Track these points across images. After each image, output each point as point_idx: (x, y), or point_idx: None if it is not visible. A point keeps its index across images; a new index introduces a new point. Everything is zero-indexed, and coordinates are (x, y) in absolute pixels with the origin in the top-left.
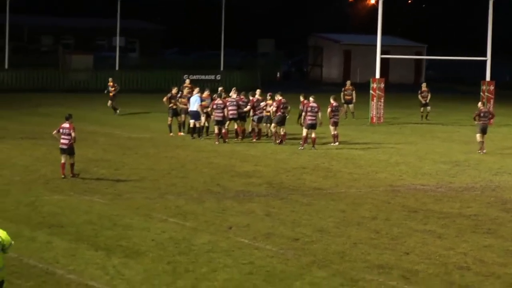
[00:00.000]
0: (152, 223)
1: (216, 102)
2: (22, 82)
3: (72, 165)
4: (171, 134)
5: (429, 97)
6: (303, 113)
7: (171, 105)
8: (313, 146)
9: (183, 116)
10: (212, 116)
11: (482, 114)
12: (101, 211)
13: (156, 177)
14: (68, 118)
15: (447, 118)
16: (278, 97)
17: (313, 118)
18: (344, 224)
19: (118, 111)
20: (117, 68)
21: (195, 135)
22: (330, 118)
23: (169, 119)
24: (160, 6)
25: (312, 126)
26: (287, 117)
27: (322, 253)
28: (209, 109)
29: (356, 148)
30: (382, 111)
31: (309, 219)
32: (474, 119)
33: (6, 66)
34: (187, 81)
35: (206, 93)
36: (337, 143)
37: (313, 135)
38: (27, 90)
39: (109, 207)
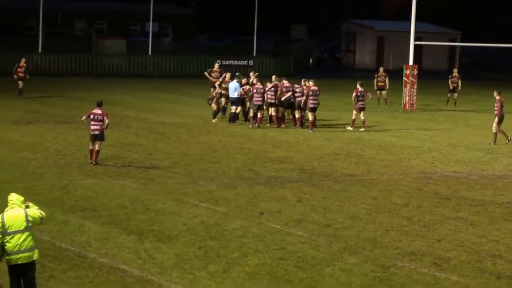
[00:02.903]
0: (184, 208)
1: (256, 86)
2: (56, 66)
3: (98, 152)
4: (214, 120)
5: (459, 83)
6: (304, 97)
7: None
8: (311, 129)
9: (223, 101)
10: (251, 101)
11: (502, 104)
12: (134, 195)
13: (189, 162)
14: (99, 105)
15: (480, 105)
16: (283, 82)
17: (315, 101)
18: (376, 211)
19: (21, 95)
20: (149, 53)
21: (235, 122)
22: (355, 104)
23: (213, 105)
24: None
25: (313, 110)
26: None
27: (354, 239)
28: (248, 94)
29: (389, 134)
30: (415, 98)
31: (340, 205)
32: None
33: (40, 50)
34: (216, 65)
35: (244, 80)
36: (351, 128)
37: (310, 118)
38: (60, 74)
39: (142, 192)
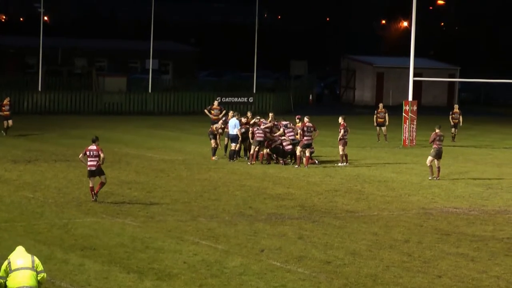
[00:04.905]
0: (184, 245)
1: (247, 120)
2: (56, 104)
3: (102, 184)
4: (214, 158)
5: (460, 119)
6: (300, 132)
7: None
8: (306, 166)
9: (225, 140)
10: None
11: (437, 138)
12: (134, 233)
13: (189, 200)
14: (94, 141)
15: (480, 140)
16: (281, 122)
17: (309, 137)
18: (377, 247)
19: (4, 133)
20: (150, 90)
21: (234, 159)
22: (341, 140)
23: (212, 142)
24: (194, 28)
25: (308, 146)
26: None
27: (355, 276)
28: (250, 130)
29: (389, 170)
30: (414, 133)
31: (341, 242)
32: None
33: (40, 88)
34: (215, 103)
35: (243, 119)
36: (345, 163)
37: (307, 154)
38: (60, 112)
39: (142, 230)
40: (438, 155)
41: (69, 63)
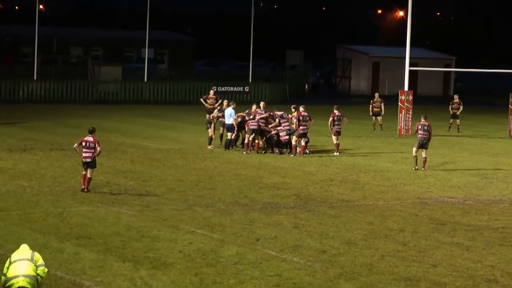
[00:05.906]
0: (180, 234)
1: (251, 112)
2: (51, 93)
3: (89, 179)
4: (209, 147)
5: (460, 109)
6: (294, 122)
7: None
8: (302, 155)
9: (221, 129)
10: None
11: (420, 127)
12: (129, 222)
13: (184, 189)
14: (91, 132)
15: (475, 130)
16: (275, 112)
17: (305, 127)
18: (372, 236)
19: None
20: (145, 79)
21: (230, 148)
22: (331, 128)
23: (209, 131)
24: (190, 18)
25: (303, 135)
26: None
27: (350, 265)
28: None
29: (384, 160)
30: (410, 123)
31: (336, 231)
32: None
33: (35, 77)
34: (211, 92)
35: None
36: (338, 153)
37: (302, 143)
38: (56, 101)
39: (137, 219)
40: (421, 145)
41: (65, 52)
